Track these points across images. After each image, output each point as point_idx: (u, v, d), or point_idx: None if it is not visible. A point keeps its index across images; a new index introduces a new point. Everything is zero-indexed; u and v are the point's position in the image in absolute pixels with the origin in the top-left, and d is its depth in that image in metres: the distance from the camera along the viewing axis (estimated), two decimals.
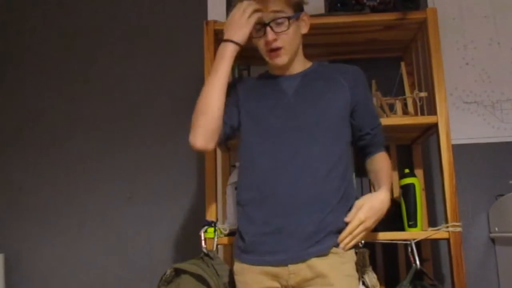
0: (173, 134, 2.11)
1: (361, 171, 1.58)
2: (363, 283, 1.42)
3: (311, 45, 1.82)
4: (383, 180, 1.42)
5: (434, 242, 1.92)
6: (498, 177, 1.96)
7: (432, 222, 1.87)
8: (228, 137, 1.46)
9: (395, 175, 1.90)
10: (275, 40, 1.37)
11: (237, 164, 1.56)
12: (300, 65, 1.47)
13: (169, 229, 2.06)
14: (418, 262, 1.47)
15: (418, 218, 1.62)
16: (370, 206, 1.33)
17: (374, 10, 1.72)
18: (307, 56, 1.51)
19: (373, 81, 1.85)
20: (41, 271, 2.08)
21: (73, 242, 2.09)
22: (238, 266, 1.37)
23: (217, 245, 1.56)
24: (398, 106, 1.75)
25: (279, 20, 1.37)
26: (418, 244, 1.54)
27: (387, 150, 1.73)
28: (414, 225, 1.62)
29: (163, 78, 2.18)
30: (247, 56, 1.55)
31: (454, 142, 1.67)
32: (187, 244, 2.03)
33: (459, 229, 1.54)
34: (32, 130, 2.20)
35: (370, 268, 1.45)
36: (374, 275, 1.44)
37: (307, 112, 1.38)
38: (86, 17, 2.27)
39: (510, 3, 2.09)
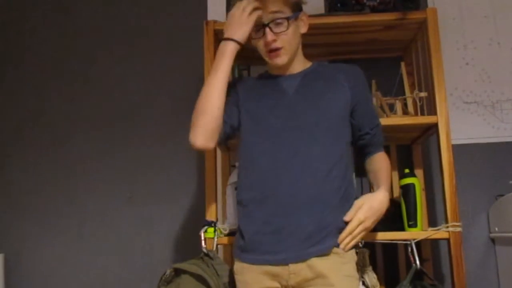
0: (173, 134, 2.11)
1: (361, 171, 1.58)
2: (363, 283, 1.42)
3: (311, 45, 1.82)
4: (382, 180, 1.42)
5: (434, 242, 1.92)
6: (498, 177, 1.96)
7: (432, 222, 1.87)
8: (228, 137, 1.46)
9: (395, 175, 1.90)
10: (274, 40, 1.37)
11: (237, 164, 1.56)
12: (300, 65, 1.47)
13: (169, 229, 2.06)
14: (418, 262, 1.47)
15: (418, 218, 1.62)
16: (369, 206, 1.33)
17: (374, 10, 1.72)
18: (307, 56, 1.51)
19: (373, 81, 1.85)
20: (41, 271, 2.08)
21: (73, 242, 2.09)
22: (238, 266, 1.37)
23: (217, 245, 1.56)
24: (398, 106, 1.75)
25: (278, 21, 1.37)
26: (418, 244, 1.54)
27: (387, 150, 1.74)
28: (414, 225, 1.62)
29: (163, 78, 2.18)
30: (247, 56, 1.54)
31: (454, 142, 1.67)
32: (187, 244, 2.03)
33: (459, 229, 1.54)
34: (32, 130, 2.20)
35: (370, 268, 1.45)
36: (374, 275, 1.44)
37: (307, 112, 1.38)
38: (86, 17, 2.27)
39: (510, 3, 2.09)
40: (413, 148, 1.96)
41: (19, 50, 2.27)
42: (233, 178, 1.67)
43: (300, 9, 1.44)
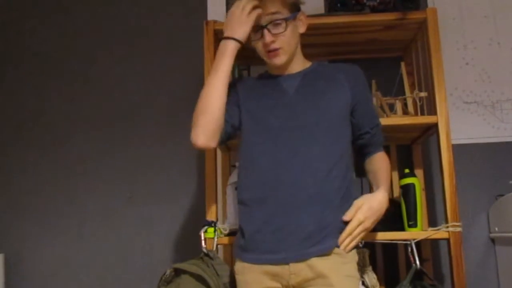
0: (173, 134, 2.11)
1: (361, 171, 1.58)
2: (363, 283, 1.42)
3: (311, 45, 1.82)
4: (382, 181, 1.42)
5: (434, 242, 1.92)
6: (498, 177, 1.96)
7: (432, 222, 1.87)
8: (229, 136, 1.46)
9: (395, 175, 1.90)
10: (273, 41, 1.38)
11: (237, 164, 1.56)
12: (299, 64, 1.48)
13: (169, 229, 2.06)
14: (418, 262, 1.47)
15: (418, 218, 1.62)
16: (369, 207, 1.33)
17: (374, 10, 1.72)
18: (307, 56, 1.51)
19: (373, 81, 1.85)
20: (41, 271, 2.08)
21: (73, 242, 2.09)
22: (239, 266, 1.37)
23: (217, 245, 1.56)
24: (398, 106, 1.75)
25: (276, 22, 1.37)
26: (418, 244, 1.54)
27: (387, 150, 1.73)
28: (414, 225, 1.62)
29: (163, 78, 2.18)
30: (247, 56, 1.54)
31: (454, 142, 1.67)
32: (187, 244, 2.03)
33: (459, 229, 1.54)
34: (32, 130, 2.20)
35: (370, 268, 1.45)
36: (374, 275, 1.44)
37: (307, 112, 1.38)
38: (86, 17, 2.27)
39: (510, 3, 2.09)
40: (413, 148, 1.96)
41: (19, 50, 2.27)
42: (233, 178, 1.67)
43: (298, 9, 1.44)
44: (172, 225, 2.06)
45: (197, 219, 2.01)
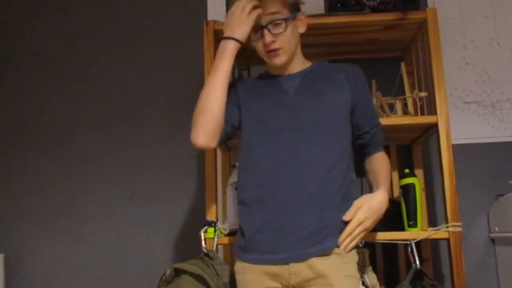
0: (173, 134, 2.11)
1: (361, 171, 1.58)
2: (363, 283, 1.42)
3: (311, 45, 1.82)
4: (382, 180, 1.42)
5: (434, 242, 1.92)
6: (498, 177, 1.96)
7: (432, 222, 1.87)
8: (230, 136, 1.46)
9: (395, 175, 1.90)
10: (273, 41, 1.38)
11: (237, 164, 1.56)
12: (299, 64, 1.48)
13: (169, 229, 2.06)
14: (418, 262, 1.47)
15: (418, 218, 1.62)
16: (368, 207, 1.33)
17: (374, 10, 1.72)
18: (307, 56, 1.51)
19: (373, 81, 1.85)
20: (41, 271, 2.08)
21: (73, 242, 2.09)
22: (239, 266, 1.37)
23: (217, 245, 1.56)
24: (398, 106, 1.75)
25: (276, 22, 1.37)
26: (418, 244, 1.54)
27: (387, 150, 1.73)
28: (414, 225, 1.62)
29: (163, 78, 2.18)
30: (247, 56, 1.54)
31: (454, 142, 1.67)
32: (187, 244, 2.03)
33: (459, 229, 1.54)
34: (32, 130, 2.20)
35: (370, 268, 1.45)
36: (374, 275, 1.44)
37: (307, 112, 1.38)
38: (86, 17, 2.27)
39: (510, 3, 2.09)
40: (413, 148, 1.96)
41: (19, 50, 2.27)
42: (233, 178, 1.67)
43: (298, 9, 1.44)
44: (172, 225, 2.06)
45: (197, 219, 2.01)
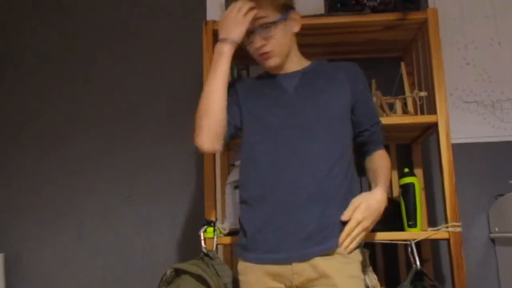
0: (173, 134, 2.11)
1: (361, 170, 1.58)
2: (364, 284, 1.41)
3: (311, 45, 1.82)
4: (380, 179, 1.41)
5: (434, 242, 1.92)
6: (498, 177, 1.96)
7: (432, 222, 1.87)
8: (233, 137, 1.46)
9: (395, 174, 1.90)
10: (263, 45, 1.39)
11: (236, 163, 1.56)
12: (297, 63, 1.48)
13: (168, 229, 2.05)
14: (418, 263, 1.46)
15: (418, 218, 1.61)
16: (367, 206, 1.32)
17: (374, 10, 1.72)
18: (306, 56, 1.51)
19: (373, 81, 1.85)
20: (41, 271, 2.08)
21: (73, 242, 2.08)
22: (241, 266, 1.37)
23: (217, 245, 1.56)
24: (398, 105, 1.75)
25: (266, 25, 1.38)
26: (418, 244, 1.53)
27: (387, 149, 1.73)
28: (414, 225, 1.61)
29: (163, 78, 2.18)
30: (246, 56, 1.54)
31: (454, 141, 1.67)
32: (187, 244, 2.03)
33: (459, 229, 1.54)
34: (32, 130, 2.20)
35: (370, 269, 1.44)
36: (375, 276, 1.43)
37: (307, 110, 1.38)
38: (86, 17, 2.27)
39: (510, 3, 2.09)
40: (413, 148, 1.96)
41: (19, 50, 2.27)
42: (232, 177, 1.67)
43: (290, 9, 1.44)
44: (171, 225, 2.05)
45: (196, 219, 2.01)
